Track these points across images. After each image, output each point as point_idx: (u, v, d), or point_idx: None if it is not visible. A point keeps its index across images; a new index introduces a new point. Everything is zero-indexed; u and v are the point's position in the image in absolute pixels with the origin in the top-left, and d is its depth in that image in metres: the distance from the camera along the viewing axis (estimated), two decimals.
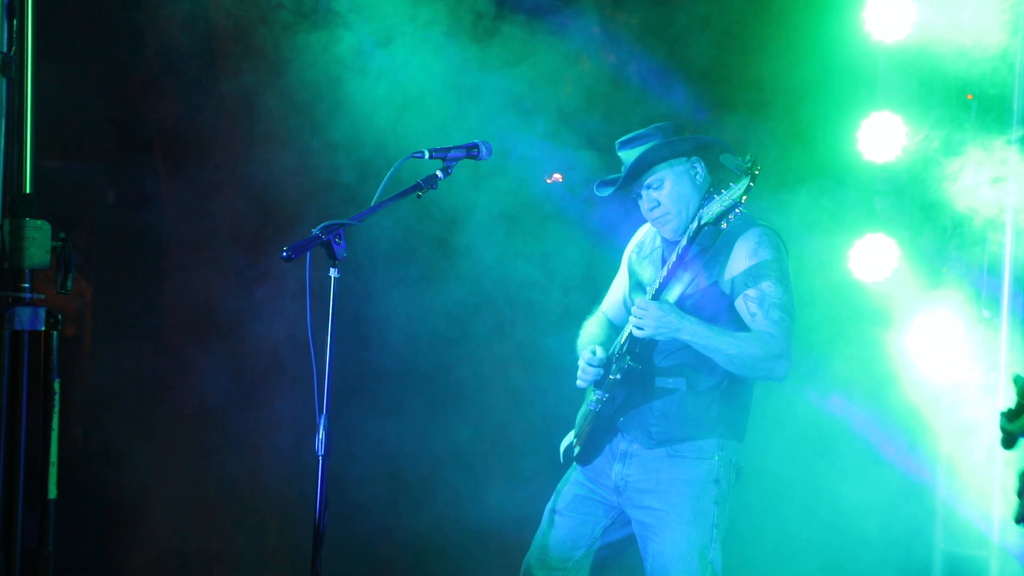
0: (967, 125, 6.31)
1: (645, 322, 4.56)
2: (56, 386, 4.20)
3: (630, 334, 4.66)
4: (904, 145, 6.41)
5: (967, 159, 6.25)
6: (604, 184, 4.83)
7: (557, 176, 6.90)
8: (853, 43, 6.45)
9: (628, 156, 4.70)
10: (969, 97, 6.36)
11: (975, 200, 6.26)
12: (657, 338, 4.59)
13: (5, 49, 4.18)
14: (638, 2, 6.85)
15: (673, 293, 4.65)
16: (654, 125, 4.74)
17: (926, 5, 6.25)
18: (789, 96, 6.42)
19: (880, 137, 6.46)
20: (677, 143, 4.68)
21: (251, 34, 6.54)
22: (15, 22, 4.21)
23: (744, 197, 4.40)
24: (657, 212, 4.70)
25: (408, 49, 6.47)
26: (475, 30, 6.48)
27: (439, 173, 4.38)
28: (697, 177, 4.69)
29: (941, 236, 6.48)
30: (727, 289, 4.62)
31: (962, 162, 6.25)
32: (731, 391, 4.69)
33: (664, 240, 4.79)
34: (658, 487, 4.69)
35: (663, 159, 4.66)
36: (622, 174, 4.71)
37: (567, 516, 4.86)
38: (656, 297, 4.60)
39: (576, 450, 4.89)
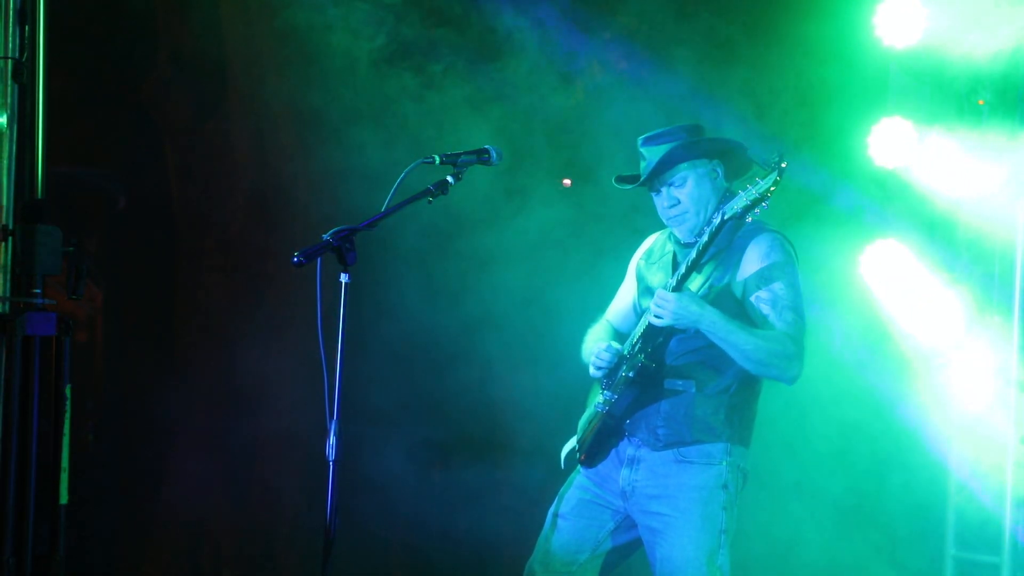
0: (978, 130, 6.31)
1: (665, 311, 4.54)
2: (67, 391, 4.21)
3: (643, 333, 4.67)
4: (915, 150, 6.41)
5: (978, 164, 6.24)
6: (623, 179, 4.83)
7: (566, 181, 6.90)
8: (864, 49, 6.45)
9: (652, 153, 4.70)
10: (980, 103, 6.36)
11: (986, 205, 6.26)
12: (677, 327, 4.58)
13: (17, 55, 4.19)
14: (646, 8, 6.85)
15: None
16: (678, 124, 4.75)
17: (936, 11, 6.24)
18: (800, 101, 6.42)
19: (891, 142, 6.45)
20: (703, 144, 4.69)
21: (263, 40, 6.55)
22: (27, 28, 4.22)
23: (771, 190, 4.41)
24: (675, 211, 4.71)
25: (422, 58, 6.49)
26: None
27: (450, 178, 4.38)
28: (717, 180, 4.71)
29: (952, 241, 6.47)
30: (739, 292, 4.62)
31: (973, 167, 6.25)
32: (739, 395, 4.68)
33: (677, 243, 4.80)
34: (666, 492, 4.67)
35: (687, 158, 4.67)
36: (645, 170, 4.72)
37: (571, 520, 4.84)
38: (677, 289, 4.59)
39: (579, 454, 4.88)
